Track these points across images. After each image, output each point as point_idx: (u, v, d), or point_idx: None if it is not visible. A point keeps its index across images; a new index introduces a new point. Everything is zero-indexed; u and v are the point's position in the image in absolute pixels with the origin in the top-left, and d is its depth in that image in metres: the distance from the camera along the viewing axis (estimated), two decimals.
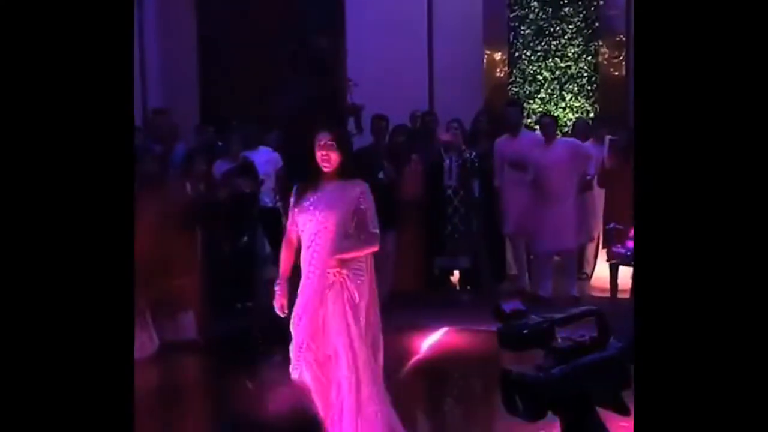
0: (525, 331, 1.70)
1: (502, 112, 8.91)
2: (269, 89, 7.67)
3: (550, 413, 1.71)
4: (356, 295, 4.36)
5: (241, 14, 10.67)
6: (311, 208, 4.39)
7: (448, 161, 8.36)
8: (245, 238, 7.37)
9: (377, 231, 4.42)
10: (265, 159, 7.83)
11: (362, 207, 4.39)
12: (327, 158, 4.36)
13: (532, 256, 8.60)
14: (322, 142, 4.36)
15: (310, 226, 4.40)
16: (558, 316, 1.72)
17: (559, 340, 1.70)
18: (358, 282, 4.38)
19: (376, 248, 4.43)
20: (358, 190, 4.40)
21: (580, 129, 8.72)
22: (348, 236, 4.37)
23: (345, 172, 4.41)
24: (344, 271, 4.36)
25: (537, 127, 9.05)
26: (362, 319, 4.38)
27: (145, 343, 6.68)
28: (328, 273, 4.35)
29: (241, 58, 10.60)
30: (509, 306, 1.74)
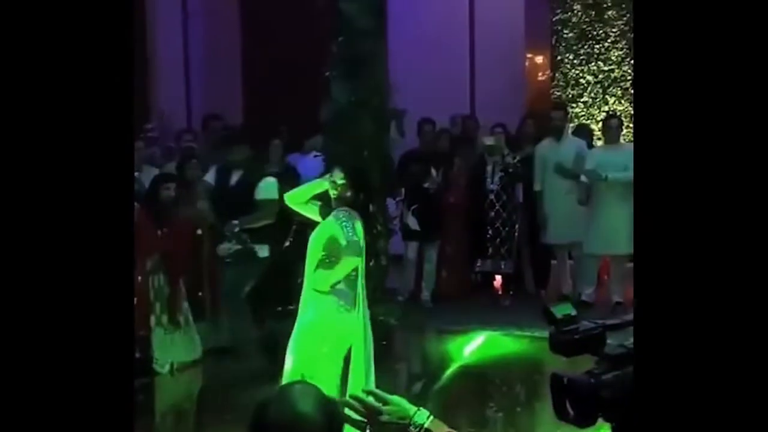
0: (576, 337, 1.69)
1: (552, 117, 8.84)
2: (311, 93, 7.70)
3: (600, 420, 1.69)
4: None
5: (284, 18, 10.76)
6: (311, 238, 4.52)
7: (490, 165, 8.34)
8: (287, 243, 7.41)
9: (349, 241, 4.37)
10: (311, 164, 7.87)
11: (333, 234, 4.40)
12: (336, 193, 4.47)
13: (573, 261, 8.53)
14: (334, 179, 4.47)
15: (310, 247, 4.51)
16: (610, 321, 1.71)
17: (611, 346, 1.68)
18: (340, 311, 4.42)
19: (353, 263, 4.39)
20: (331, 218, 4.44)
21: (615, 129, 8.22)
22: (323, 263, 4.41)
23: (347, 203, 4.47)
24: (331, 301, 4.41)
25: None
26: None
27: (188, 348, 6.76)
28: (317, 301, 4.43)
29: (283, 62, 10.67)
30: (560, 310, 1.73)
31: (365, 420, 1.98)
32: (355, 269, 4.39)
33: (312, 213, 4.62)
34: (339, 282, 4.38)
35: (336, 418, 1.94)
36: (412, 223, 8.29)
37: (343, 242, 4.32)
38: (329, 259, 4.40)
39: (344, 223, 4.34)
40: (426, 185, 8.25)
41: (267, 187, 6.66)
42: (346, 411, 1.98)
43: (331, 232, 4.38)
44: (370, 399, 1.99)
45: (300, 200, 4.67)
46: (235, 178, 6.75)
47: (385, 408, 1.98)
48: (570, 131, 8.83)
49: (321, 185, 4.56)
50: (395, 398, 2.01)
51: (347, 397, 2.03)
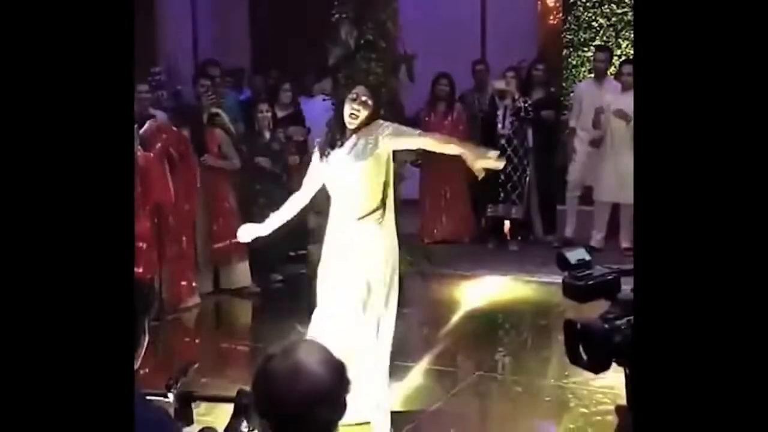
0: (591, 282, 1.68)
1: (592, 56, 8.83)
2: (320, 37, 7.61)
3: (614, 364, 1.69)
4: (381, 249, 4.35)
5: None
6: (338, 162, 4.32)
7: (501, 110, 8.27)
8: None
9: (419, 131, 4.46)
10: (320, 107, 7.81)
11: (389, 134, 4.28)
12: (356, 114, 4.27)
13: (585, 207, 8.52)
14: (356, 97, 4.27)
15: (337, 180, 4.35)
16: (624, 267, 1.70)
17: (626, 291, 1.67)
18: (384, 234, 4.38)
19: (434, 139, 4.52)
20: (377, 129, 4.29)
21: (626, 72, 8.07)
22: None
23: (366, 123, 4.32)
24: (370, 224, 4.33)
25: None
26: (384, 275, 4.37)
27: (184, 290, 6.82)
28: (357, 224, 4.32)
29: (291, 4, 10.54)
30: (574, 256, 1.71)
31: None
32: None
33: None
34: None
35: (342, 376, 1.96)
36: None
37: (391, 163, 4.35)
38: (379, 179, 4.34)
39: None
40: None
41: None
42: None
43: (385, 154, 4.31)
44: None
45: None
46: None
47: None
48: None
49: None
50: None
51: None
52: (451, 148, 4.48)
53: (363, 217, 4.31)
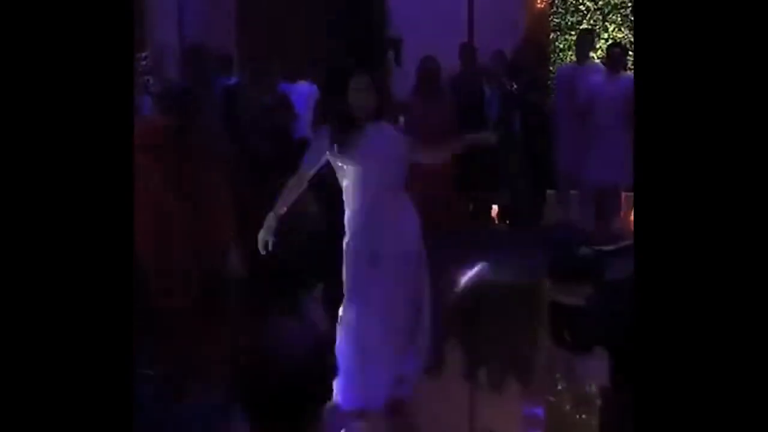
0: (576, 263, 1.69)
1: (576, 39, 8.84)
2: (307, 23, 7.60)
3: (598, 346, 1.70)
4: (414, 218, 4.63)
5: None
6: (361, 150, 4.37)
7: (489, 94, 8.27)
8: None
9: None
10: (306, 93, 7.81)
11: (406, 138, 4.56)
12: (364, 103, 4.35)
13: (574, 191, 8.55)
14: (363, 86, 4.35)
15: (363, 165, 4.40)
16: (608, 248, 1.70)
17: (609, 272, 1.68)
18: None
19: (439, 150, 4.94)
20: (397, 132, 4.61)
21: (616, 57, 8.18)
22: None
23: (377, 114, 4.43)
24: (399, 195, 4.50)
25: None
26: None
27: (178, 279, 6.81)
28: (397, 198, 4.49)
29: None
30: (561, 238, 1.72)
31: None
32: None
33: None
34: None
35: (324, 362, 1.97)
36: None
37: None
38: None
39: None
40: None
41: None
42: None
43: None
44: None
45: None
46: None
47: None
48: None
49: None
50: None
51: None
52: (456, 146, 5.05)
53: (393, 190, 4.47)
